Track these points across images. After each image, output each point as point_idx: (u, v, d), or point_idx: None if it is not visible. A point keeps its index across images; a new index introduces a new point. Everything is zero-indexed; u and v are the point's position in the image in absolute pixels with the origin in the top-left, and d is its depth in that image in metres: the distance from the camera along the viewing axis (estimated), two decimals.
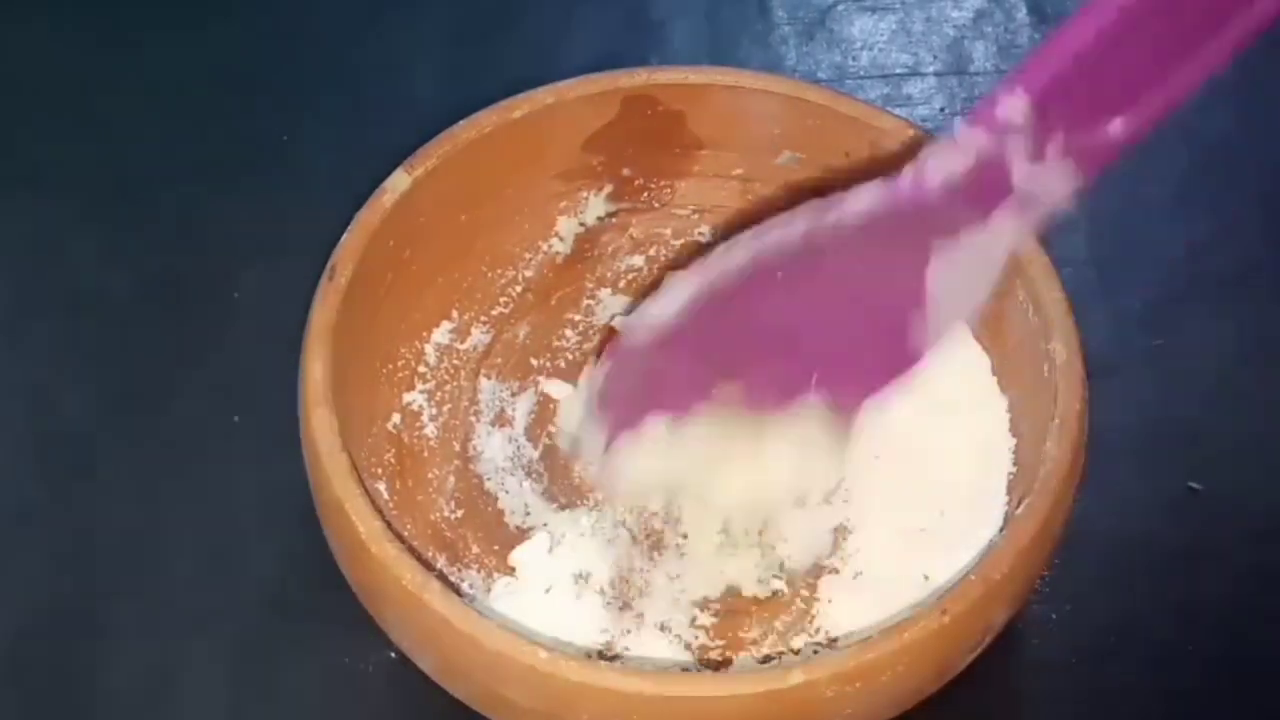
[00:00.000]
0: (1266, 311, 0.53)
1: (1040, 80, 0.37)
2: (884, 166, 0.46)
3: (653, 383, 0.43)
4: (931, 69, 0.60)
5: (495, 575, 0.45)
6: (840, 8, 0.62)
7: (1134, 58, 0.36)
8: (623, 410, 0.43)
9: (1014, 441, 0.45)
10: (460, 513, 0.46)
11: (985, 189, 0.38)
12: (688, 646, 0.43)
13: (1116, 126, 0.37)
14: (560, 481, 0.47)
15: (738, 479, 0.44)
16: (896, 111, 0.47)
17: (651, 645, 0.43)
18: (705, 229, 0.51)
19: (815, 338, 0.41)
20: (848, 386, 0.42)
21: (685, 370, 0.42)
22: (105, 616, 0.46)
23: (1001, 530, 0.41)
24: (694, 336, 0.41)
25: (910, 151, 0.45)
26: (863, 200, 0.40)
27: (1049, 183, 0.38)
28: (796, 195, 0.49)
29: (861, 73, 0.60)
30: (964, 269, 0.39)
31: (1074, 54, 0.36)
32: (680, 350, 0.42)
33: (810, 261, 0.40)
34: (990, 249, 0.39)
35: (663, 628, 0.44)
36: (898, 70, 0.60)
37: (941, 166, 0.38)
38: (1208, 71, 0.36)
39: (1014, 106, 0.37)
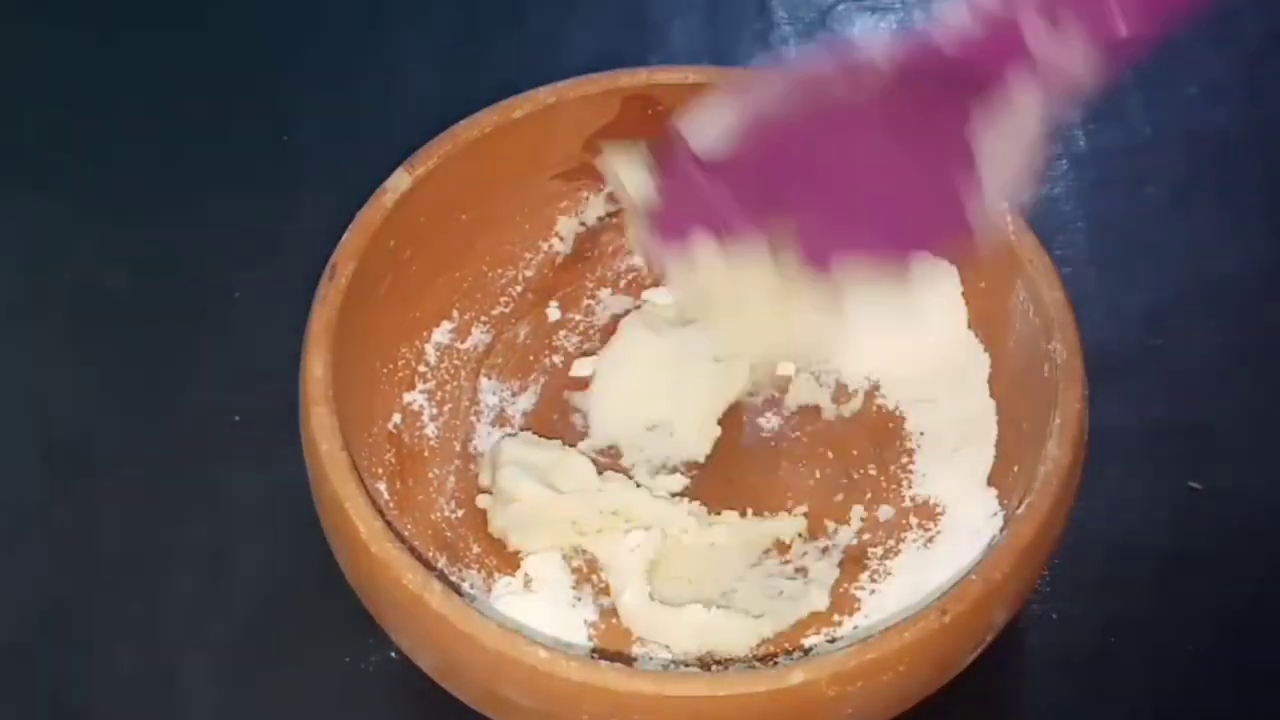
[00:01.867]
0: (1266, 311, 0.53)
1: None
2: None
3: (705, 202, 0.41)
4: None
5: (496, 575, 0.45)
6: (840, 7, 0.62)
7: None
8: (674, 224, 0.42)
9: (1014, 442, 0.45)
10: (460, 512, 0.46)
11: (1001, 50, 0.37)
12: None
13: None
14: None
15: (770, 313, 0.42)
16: None
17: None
18: None
19: (868, 184, 0.40)
20: (902, 238, 0.40)
21: (737, 195, 0.41)
22: (105, 617, 0.46)
23: (1001, 530, 0.41)
24: (746, 163, 0.40)
25: None
26: (889, 51, 0.39)
27: (1067, 52, 0.36)
28: None
29: None
30: (1002, 138, 0.38)
31: None
32: (733, 174, 0.40)
33: (856, 106, 0.39)
34: (1020, 122, 0.38)
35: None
36: None
37: (956, 24, 0.38)
38: None
39: None
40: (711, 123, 0.40)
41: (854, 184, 0.40)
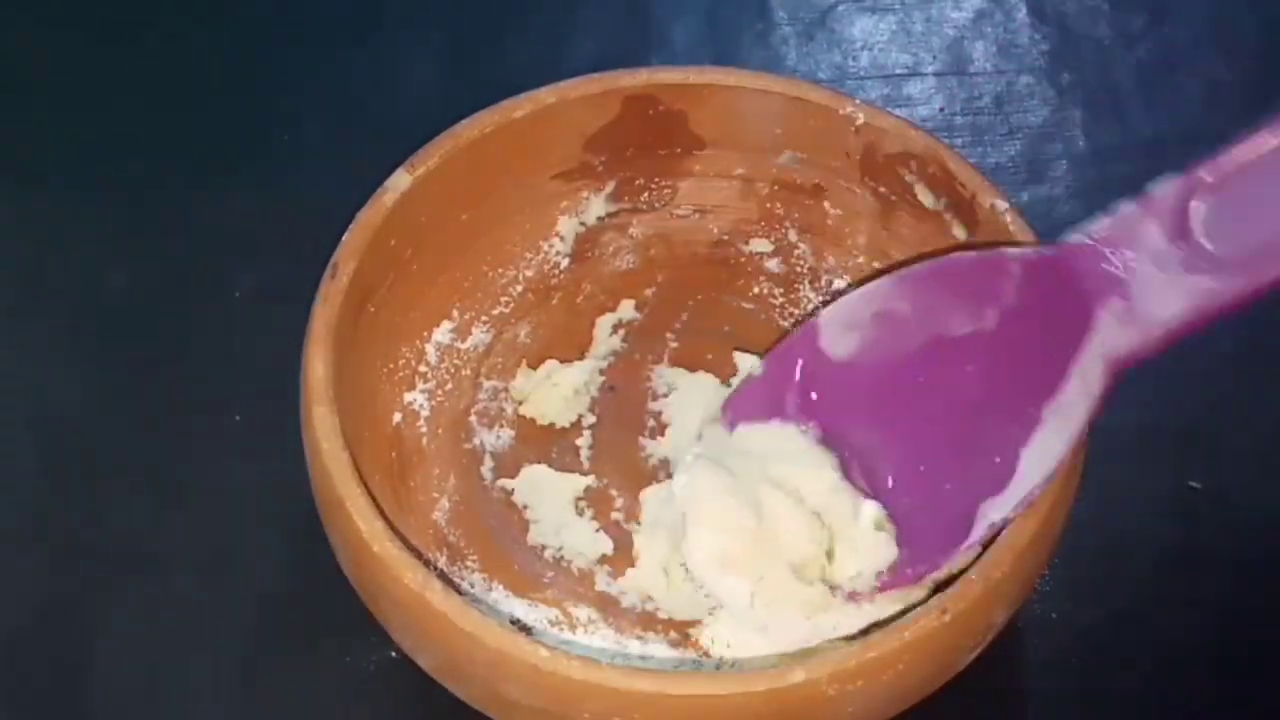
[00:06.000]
0: (1267, 311, 0.53)
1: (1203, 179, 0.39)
2: (882, 167, 0.47)
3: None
4: (931, 69, 0.60)
5: (496, 574, 0.45)
6: (840, 8, 0.62)
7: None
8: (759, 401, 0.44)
9: None
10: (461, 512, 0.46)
11: (1100, 277, 0.39)
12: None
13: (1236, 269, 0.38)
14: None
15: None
16: (897, 112, 0.47)
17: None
18: (706, 229, 0.51)
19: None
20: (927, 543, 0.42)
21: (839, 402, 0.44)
22: (105, 617, 0.46)
23: (1001, 530, 0.41)
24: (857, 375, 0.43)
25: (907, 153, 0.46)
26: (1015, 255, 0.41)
27: (1158, 294, 0.39)
28: (797, 195, 0.49)
29: (862, 73, 0.60)
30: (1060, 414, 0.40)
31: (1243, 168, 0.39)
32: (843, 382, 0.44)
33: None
34: (1084, 381, 0.40)
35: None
36: (898, 70, 0.60)
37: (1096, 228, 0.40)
38: None
39: (1167, 192, 0.40)
40: (852, 317, 0.43)
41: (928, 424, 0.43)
